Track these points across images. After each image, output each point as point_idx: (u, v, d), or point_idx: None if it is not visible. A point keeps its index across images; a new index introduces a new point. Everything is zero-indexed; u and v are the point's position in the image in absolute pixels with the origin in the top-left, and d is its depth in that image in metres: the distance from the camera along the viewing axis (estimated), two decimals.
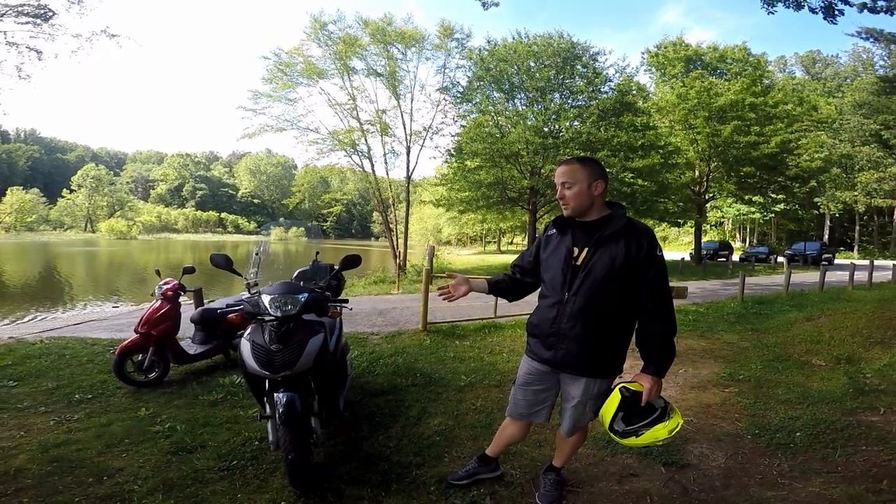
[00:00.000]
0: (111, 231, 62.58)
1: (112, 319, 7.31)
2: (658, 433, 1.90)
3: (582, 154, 17.07)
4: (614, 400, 1.95)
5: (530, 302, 2.56)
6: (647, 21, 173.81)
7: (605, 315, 1.96)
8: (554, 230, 2.12)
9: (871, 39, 11.05)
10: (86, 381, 3.95)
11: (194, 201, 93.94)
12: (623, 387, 1.96)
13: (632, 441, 1.94)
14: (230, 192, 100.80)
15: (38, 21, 8.65)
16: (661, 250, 1.96)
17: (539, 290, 2.20)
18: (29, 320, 9.57)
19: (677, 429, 1.92)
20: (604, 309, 1.95)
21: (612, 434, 1.98)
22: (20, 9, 8.54)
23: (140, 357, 3.92)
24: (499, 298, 6.87)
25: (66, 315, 10.04)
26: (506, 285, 2.30)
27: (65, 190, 73.66)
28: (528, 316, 2.24)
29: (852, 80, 40.65)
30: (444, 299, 2.27)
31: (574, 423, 2.15)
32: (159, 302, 4.14)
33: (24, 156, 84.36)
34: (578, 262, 1.97)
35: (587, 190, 1.96)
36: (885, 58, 37.02)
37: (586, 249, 1.96)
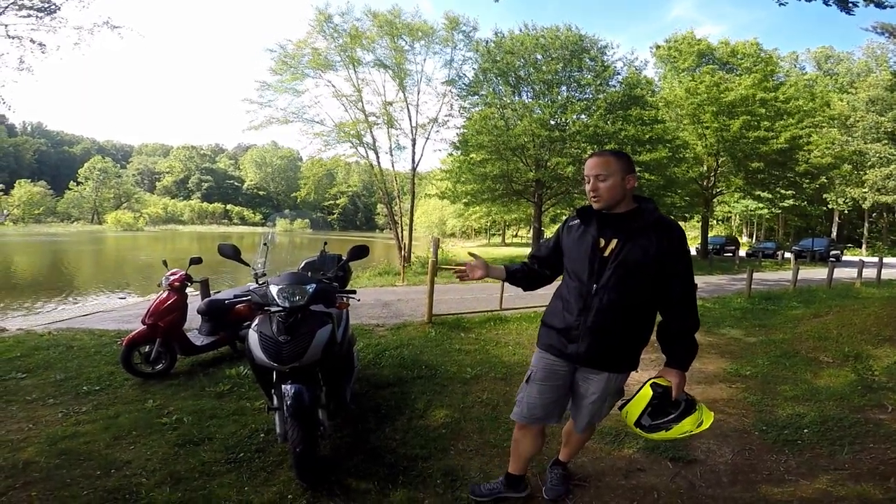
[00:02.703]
0: (118, 223, 62.76)
1: (119, 311, 7.36)
2: (686, 426, 1.94)
3: (588, 147, 17.04)
4: (645, 396, 1.96)
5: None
6: (658, 15, 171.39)
7: (633, 308, 1.94)
8: (577, 220, 2.06)
9: (886, 35, 10.83)
10: (93, 373, 3.97)
11: (200, 193, 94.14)
12: (655, 383, 1.97)
13: (662, 435, 1.97)
14: (236, 183, 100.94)
15: (41, 15, 8.62)
16: (688, 246, 1.96)
17: (561, 280, 2.14)
18: (37, 312, 9.66)
19: (704, 424, 1.95)
20: (633, 302, 1.92)
21: (638, 429, 1.99)
22: (21, 2, 8.50)
23: (147, 348, 3.94)
24: (504, 291, 6.99)
25: (74, 306, 10.12)
26: (522, 275, 2.25)
27: (72, 182, 73.93)
28: (545, 308, 2.18)
29: (865, 76, 40.02)
30: (458, 278, 2.26)
31: (591, 420, 2.13)
32: (166, 293, 4.15)
33: (31, 149, 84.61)
34: (606, 254, 1.92)
35: (620, 183, 1.90)
36: None
37: (615, 241, 1.91)
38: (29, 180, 67.75)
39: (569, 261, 2.05)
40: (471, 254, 2.35)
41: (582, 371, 2.06)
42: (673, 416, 1.95)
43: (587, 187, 1.95)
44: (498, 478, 2.38)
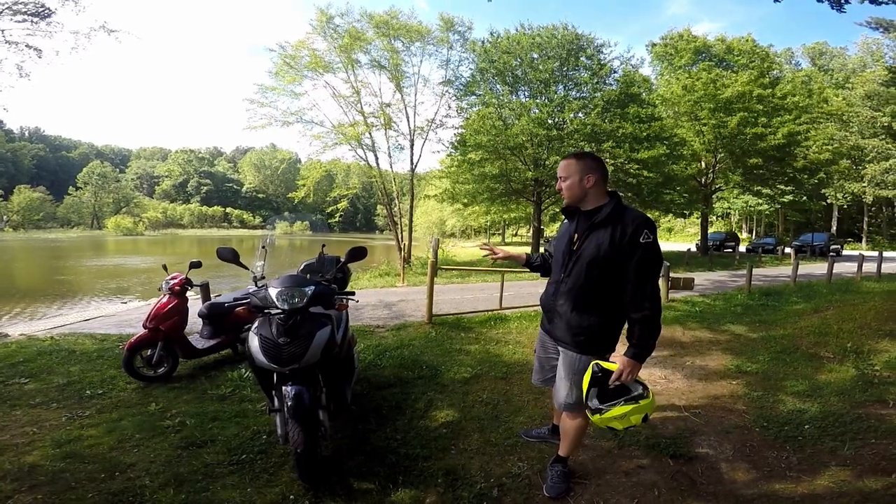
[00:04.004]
0: (118, 228, 62.94)
1: (121, 315, 7.37)
2: (621, 410, 1.99)
3: (586, 145, 17.05)
4: (587, 376, 2.07)
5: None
6: (655, 12, 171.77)
7: (588, 296, 2.13)
8: (566, 219, 2.35)
9: (881, 30, 10.81)
10: (96, 377, 3.98)
11: (199, 197, 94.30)
12: (596, 363, 2.06)
13: (596, 418, 2.05)
14: (235, 187, 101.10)
15: (36, 19, 8.63)
16: (649, 238, 2.01)
17: None
18: (39, 317, 9.67)
19: (639, 416, 1.99)
20: (586, 290, 2.13)
21: (587, 411, 2.10)
22: (16, 7, 8.50)
23: (149, 352, 3.95)
24: (504, 291, 7.01)
25: (75, 311, 10.13)
26: (538, 263, 2.62)
27: (71, 187, 74.06)
28: None
29: (861, 71, 40.00)
30: (488, 253, 2.74)
31: (562, 399, 2.27)
32: (167, 297, 4.16)
33: (30, 154, 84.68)
34: (575, 247, 2.18)
35: (579, 182, 2.15)
36: (895, 48, 36.54)
37: (581, 235, 2.16)
38: (28, 186, 67.90)
39: (554, 253, 2.36)
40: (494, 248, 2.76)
41: (559, 348, 2.30)
42: (613, 401, 2.01)
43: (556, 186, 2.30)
44: (542, 427, 2.98)
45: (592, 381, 2.04)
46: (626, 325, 2.16)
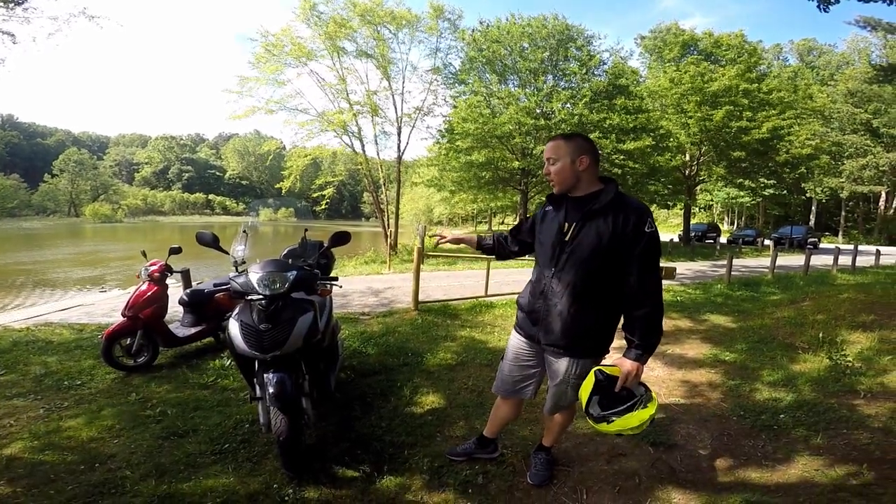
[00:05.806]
0: (95, 215, 61.56)
1: (99, 304, 7.22)
2: (629, 421, 1.84)
3: None
4: (589, 383, 1.90)
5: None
6: (648, 6, 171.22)
7: (589, 292, 1.92)
8: (550, 206, 2.10)
9: (869, 28, 11.01)
10: (74, 367, 3.90)
11: (181, 183, 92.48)
12: (598, 370, 1.90)
13: (603, 427, 1.89)
14: (217, 173, 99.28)
15: (11, 5, 8.30)
16: (652, 227, 1.88)
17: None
18: (14, 307, 9.44)
19: (648, 421, 1.86)
20: (588, 285, 1.92)
21: (587, 418, 1.94)
22: None
23: (128, 341, 3.88)
24: (490, 278, 7.02)
25: (52, 301, 9.90)
26: (489, 244, 2.42)
27: (46, 175, 71.99)
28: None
29: (844, 68, 40.70)
30: (433, 238, 2.58)
31: (555, 402, 2.17)
32: (146, 284, 4.08)
33: (2, 141, 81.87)
34: (567, 238, 1.95)
35: (570, 165, 1.94)
36: (882, 47, 37.22)
37: (575, 224, 1.94)
38: (1, 173, 65.86)
39: (537, 245, 2.13)
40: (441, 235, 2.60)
41: (546, 353, 2.11)
42: (619, 408, 1.86)
43: (544, 171, 2.05)
44: (471, 439, 2.64)
45: (595, 389, 1.88)
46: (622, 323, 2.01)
